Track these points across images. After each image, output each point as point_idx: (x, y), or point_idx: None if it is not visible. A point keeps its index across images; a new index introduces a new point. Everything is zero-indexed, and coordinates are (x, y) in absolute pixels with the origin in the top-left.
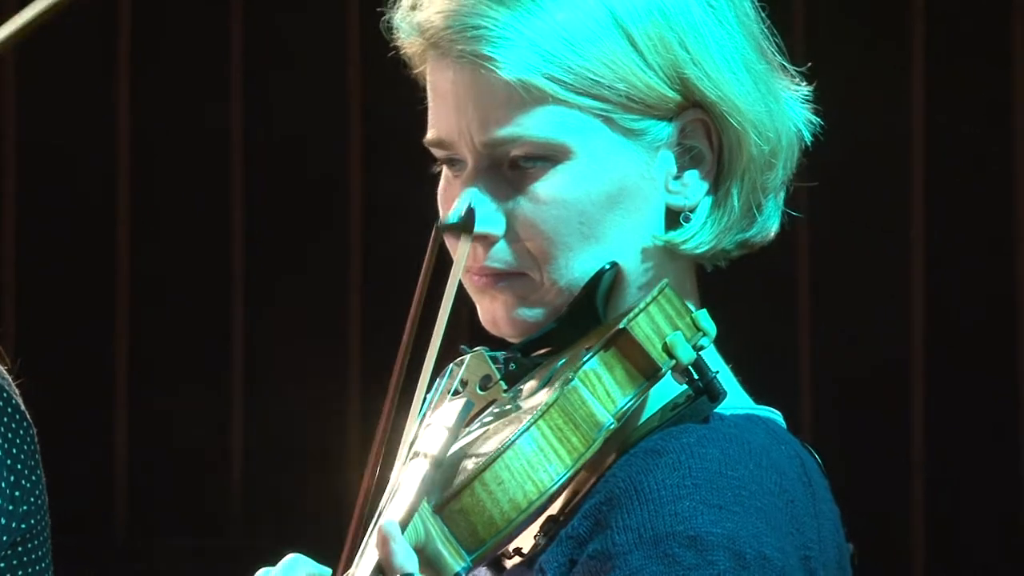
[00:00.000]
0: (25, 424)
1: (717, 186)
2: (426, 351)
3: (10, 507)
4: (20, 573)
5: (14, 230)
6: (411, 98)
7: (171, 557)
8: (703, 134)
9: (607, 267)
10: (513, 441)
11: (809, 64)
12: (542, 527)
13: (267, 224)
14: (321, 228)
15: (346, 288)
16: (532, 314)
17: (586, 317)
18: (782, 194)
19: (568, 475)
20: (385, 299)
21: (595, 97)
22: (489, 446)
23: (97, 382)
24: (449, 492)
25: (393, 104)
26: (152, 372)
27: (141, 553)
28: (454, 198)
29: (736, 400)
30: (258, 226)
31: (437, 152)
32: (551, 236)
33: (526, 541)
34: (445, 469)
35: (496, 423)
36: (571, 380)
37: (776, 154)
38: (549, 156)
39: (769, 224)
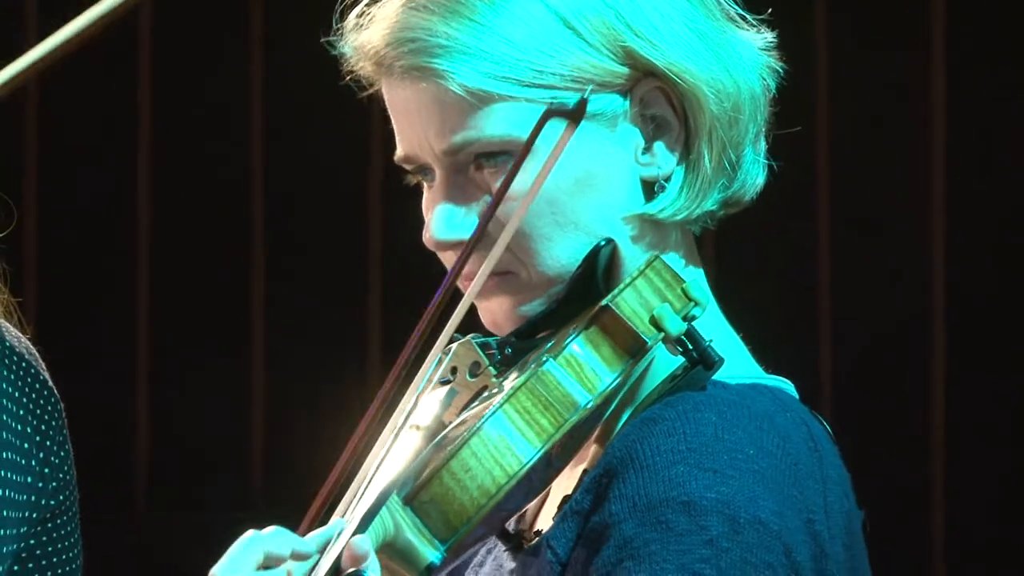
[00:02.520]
0: (53, 400)
1: (688, 150)
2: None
3: (40, 484)
4: (50, 548)
5: (35, 207)
6: None
7: (191, 532)
8: (664, 101)
9: (602, 243)
10: (478, 428)
11: (769, 10)
12: (559, 506)
13: (286, 206)
14: (341, 212)
15: (366, 272)
16: (530, 309)
17: (585, 295)
18: (761, 145)
19: (537, 457)
20: (405, 280)
21: (542, 87)
22: (464, 432)
23: (118, 357)
24: (418, 483)
25: None
26: (173, 347)
27: (160, 527)
28: (431, 204)
29: (743, 369)
30: (277, 210)
31: (408, 167)
32: (527, 231)
33: (545, 522)
34: (424, 458)
35: (480, 408)
36: (544, 362)
37: (739, 108)
38: (509, 151)
39: (750, 178)
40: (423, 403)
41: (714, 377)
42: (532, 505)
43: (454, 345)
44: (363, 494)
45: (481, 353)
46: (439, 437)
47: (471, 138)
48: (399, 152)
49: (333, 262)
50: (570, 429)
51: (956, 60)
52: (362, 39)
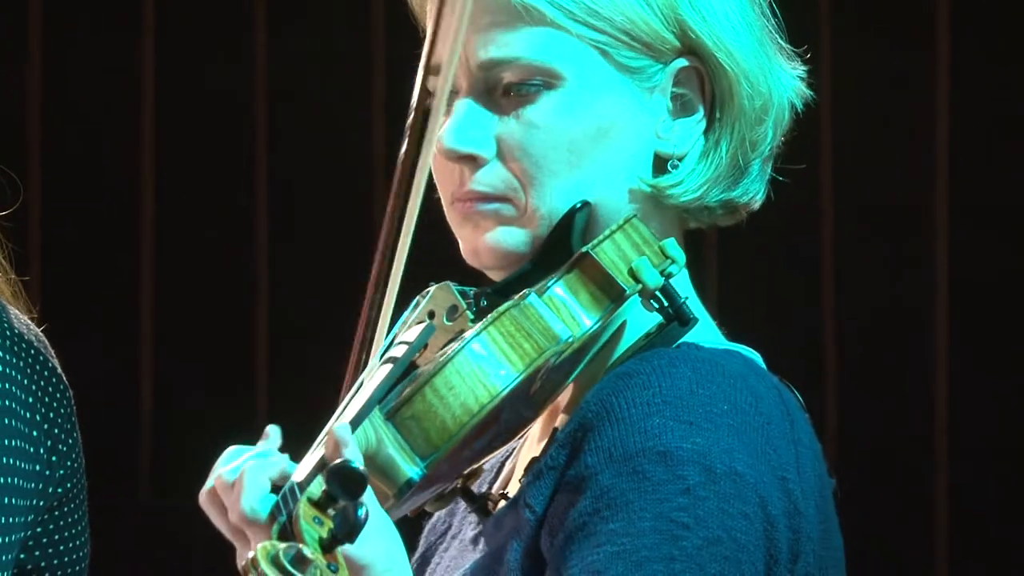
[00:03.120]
0: (62, 387)
1: (707, 135)
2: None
3: (48, 472)
4: (57, 536)
5: (39, 194)
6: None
7: (196, 518)
8: (696, 83)
9: (578, 206)
10: (464, 346)
11: (805, 47)
12: (526, 469)
13: (289, 190)
14: (350, 191)
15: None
16: (512, 239)
17: (561, 257)
18: (770, 163)
19: (520, 379)
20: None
21: (593, 28)
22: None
23: (121, 342)
24: (401, 399)
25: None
26: (175, 333)
27: (166, 514)
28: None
29: (714, 338)
30: (280, 192)
31: (434, 82)
32: (538, 161)
33: (514, 486)
34: (404, 385)
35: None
36: (527, 295)
37: (767, 110)
38: (542, 82)
39: (753, 188)
40: (399, 339)
41: (688, 340)
42: (495, 472)
43: (432, 288)
44: (340, 416)
45: (459, 297)
46: (414, 373)
47: (510, 56)
48: (433, 62)
49: (336, 253)
50: (550, 357)
51: (960, 56)
52: None
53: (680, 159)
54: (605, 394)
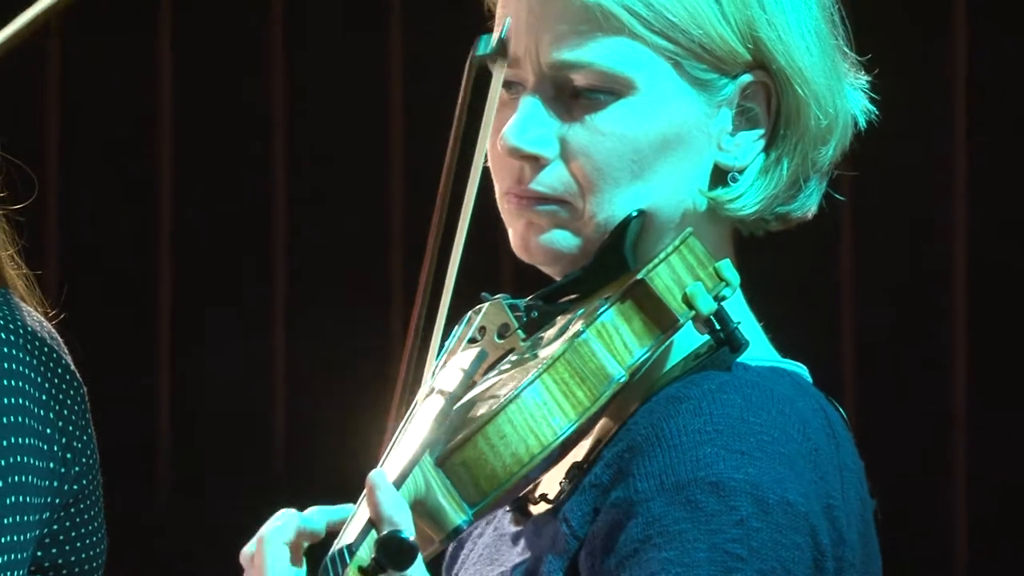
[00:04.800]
0: (75, 384)
1: (768, 152)
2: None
3: (62, 469)
4: (73, 534)
5: (56, 189)
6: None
7: (215, 516)
8: (763, 97)
9: (633, 215)
10: (516, 395)
11: (869, 56)
12: (567, 473)
13: (307, 183)
14: (364, 189)
15: (388, 246)
16: (566, 242)
17: (613, 264)
18: (827, 177)
19: (572, 430)
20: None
21: (668, 38)
22: (497, 396)
23: (140, 340)
24: (452, 445)
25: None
26: (195, 331)
27: (184, 512)
28: (507, 120)
29: (761, 352)
30: (299, 185)
31: (507, 72)
32: (602, 167)
33: (551, 487)
34: (455, 417)
35: (511, 371)
36: (582, 333)
37: (832, 131)
38: (612, 89)
39: (810, 202)
40: (451, 364)
41: (736, 359)
42: None
43: (484, 305)
44: (389, 455)
45: (510, 315)
46: (467, 399)
47: (582, 60)
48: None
49: (357, 244)
50: (604, 403)
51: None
52: None
53: (740, 172)
54: (655, 418)
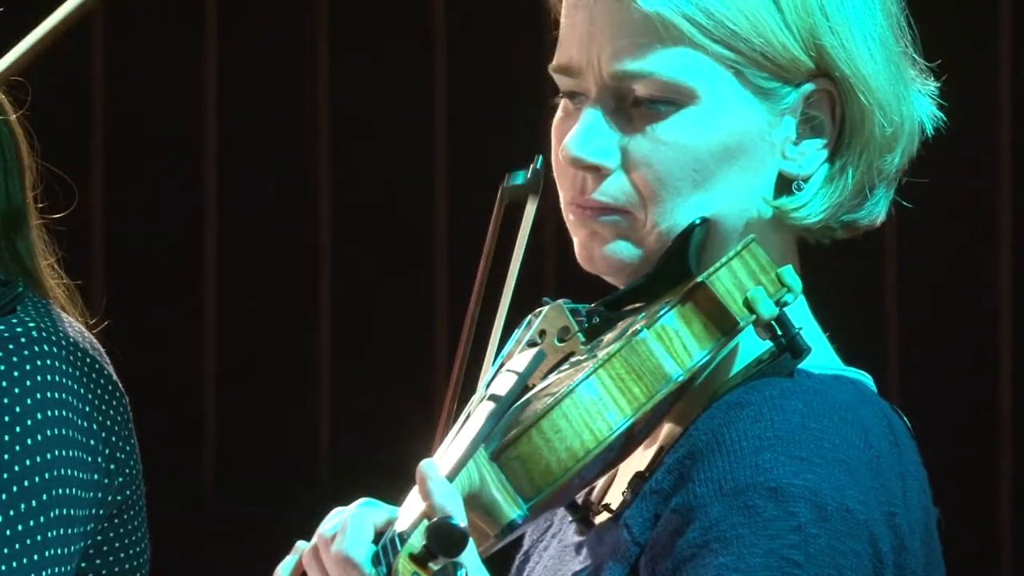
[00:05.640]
0: (118, 394)
1: (833, 160)
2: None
3: (106, 480)
4: (117, 544)
5: (102, 200)
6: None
7: (257, 524)
8: (827, 105)
9: (696, 222)
10: (571, 390)
11: (939, 61)
12: (629, 483)
13: (354, 191)
14: (407, 188)
15: (431, 253)
16: (629, 252)
17: (676, 272)
18: (894, 184)
19: (627, 425)
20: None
21: (730, 47)
22: (553, 393)
23: (186, 349)
24: (507, 439)
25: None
26: (240, 341)
27: (228, 520)
28: (569, 131)
29: (825, 360)
30: (346, 194)
31: (561, 80)
32: (663, 177)
33: (615, 497)
34: (510, 416)
35: (568, 371)
36: (640, 332)
37: (897, 138)
38: (674, 99)
39: (877, 209)
40: (509, 365)
41: (799, 365)
42: (601, 479)
43: (544, 308)
44: (447, 450)
45: (571, 318)
46: (524, 398)
47: (644, 70)
48: (559, 60)
49: (399, 255)
50: (660, 401)
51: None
52: None
53: (805, 180)
54: (716, 424)
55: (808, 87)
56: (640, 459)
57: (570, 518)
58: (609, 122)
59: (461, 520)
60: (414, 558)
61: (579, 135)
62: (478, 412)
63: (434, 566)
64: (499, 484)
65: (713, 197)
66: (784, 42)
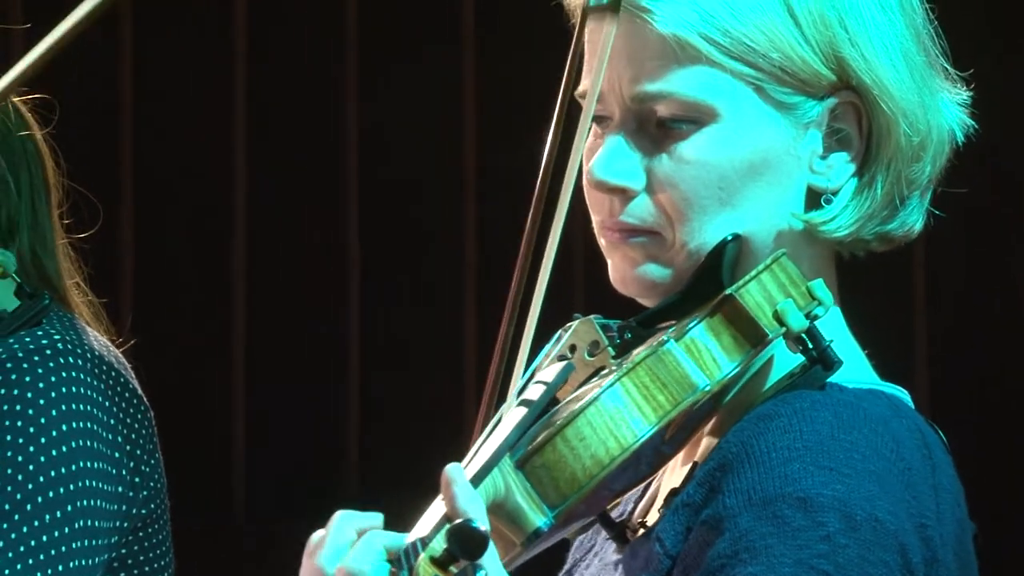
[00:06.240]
0: (143, 408)
1: (862, 172)
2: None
3: (131, 493)
4: (142, 558)
5: (133, 213)
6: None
7: (286, 539)
8: (853, 118)
9: (728, 239)
10: (596, 398)
11: (972, 71)
12: (665, 500)
13: (381, 196)
14: (438, 193)
15: (462, 264)
16: (660, 273)
17: (709, 289)
18: (928, 193)
19: (652, 432)
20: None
21: (748, 64)
22: (579, 401)
23: (216, 363)
24: (532, 447)
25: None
26: (269, 352)
27: (257, 535)
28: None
29: (860, 375)
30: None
31: (584, 103)
32: (688, 196)
33: (652, 516)
34: (537, 427)
35: (595, 383)
36: (666, 342)
37: (925, 147)
38: (696, 117)
39: (911, 220)
40: (537, 377)
41: (832, 380)
42: (638, 496)
43: (575, 323)
44: (473, 458)
45: (601, 333)
46: (552, 411)
47: (664, 91)
48: (583, 87)
49: (430, 267)
50: (686, 409)
51: None
52: None
53: (834, 193)
54: (746, 436)
55: (832, 100)
56: (677, 476)
57: (607, 536)
58: (633, 144)
59: (483, 524)
60: (435, 561)
61: (603, 158)
62: (507, 419)
63: (455, 569)
64: (524, 492)
65: (741, 214)
66: (803, 56)
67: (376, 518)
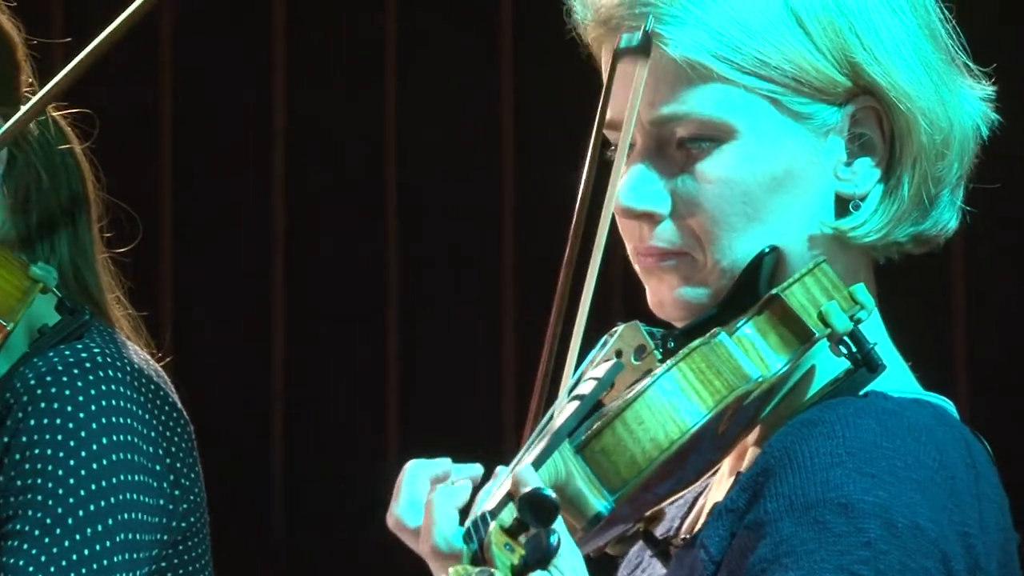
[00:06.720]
0: (183, 422)
1: (888, 175)
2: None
3: (170, 506)
4: (181, 571)
5: (171, 225)
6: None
7: (326, 554)
8: (875, 122)
9: (766, 250)
10: (654, 381)
11: (995, 65)
12: (710, 511)
13: (419, 204)
14: (477, 207)
15: (499, 277)
16: (695, 295)
17: (748, 300)
18: (959, 190)
19: (710, 416)
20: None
21: (762, 77)
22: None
23: (255, 377)
24: (591, 432)
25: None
26: (308, 370)
27: (297, 551)
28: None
29: (904, 385)
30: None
31: (611, 136)
32: (714, 215)
33: (698, 527)
34: (592, 420)
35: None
36: (719, 334)
37: (948, 144)
38: (714, 136)
39: (943, 218)
40: (587, 375)
41: (876, 389)
42: (684, 513)
43: (620, 327)
44: (528, 450)
45: (648, 337)
46: (600, 411)
47: (680, 112)
48: (608, 117)
49: (468, 274)
50: (740, 397)
51: None
52: None
53: (862, 199)
54: (789, 441)
55: (851, 106)
56: (721, 490)
57: (651, 552)
58: (656, 169)
59: (552, 492)
60: (505, 530)
61: (627, 185)
62: (560, 412)
63: (524, 537)
64: (585, 477)
65: (769, 227)
66: (816, 65)
67: (445, 463)
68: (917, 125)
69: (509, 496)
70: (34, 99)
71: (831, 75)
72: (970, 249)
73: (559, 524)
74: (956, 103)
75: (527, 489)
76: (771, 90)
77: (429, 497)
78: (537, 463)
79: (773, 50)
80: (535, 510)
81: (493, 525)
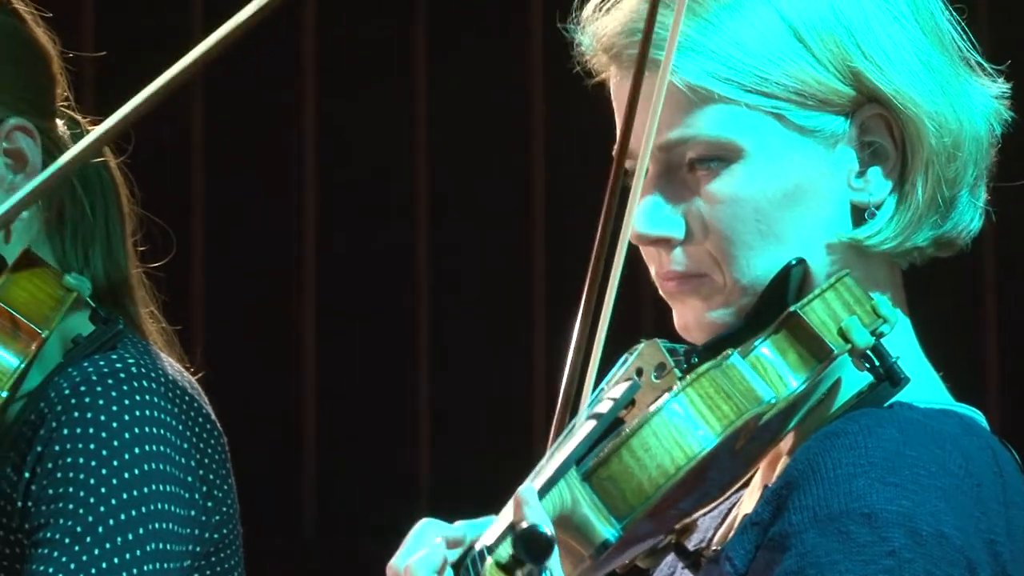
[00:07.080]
0: (216, 433)
1: (903, 181)
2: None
3: (203, 518)
4: None
5: (202, 241)
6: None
7: (358, 557)
8: (884, 130)
9: (793, 263)
10: (661, 408)
11: (1009, 63)
12: (739, 524)
13: (450, 214)
14: (510, 209)
15: (530, 283)
16: (719, 316)
17: (775, 313)
18: (979, 191)
19: (717, 442)
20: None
21: (764, 94)
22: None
23: (287, 388)
24: (598, 459)
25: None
26: (340, 373)
27: (329, 554)
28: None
29: (931, 394)
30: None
31: (625, 163)
32: (728, 235)
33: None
34: (603, 443)
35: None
36: (730, 355)
37: (959, 146)
38: (722, 156)
39: (964, 219)
40: (606, 395)
41: (902, 400)
42: (717, 524)
43: (640, 346)
44: (540, 471)
45: (667, 355)
46: (617, 430)
47: (686, 136)
48: (617, 145)
49: (497, 293)
50: (750, 420)
51: None
52: (597, 26)
53: (877, 207)
54: (812, 453)
55: (859, 114)
56: (751, 502)
57: (682, 564)
58: (668, 194)
59: (548, 528)
60: (501, 566)
61: (642, 212)
62: (575, 433)
63: (520, 573)
64: (591, 504)
65: (786, 242)
66: (818, 77)
67: (457, 529)
68: (925, 129)
69: (511, 528)
70: (94, 133)
71: (834, 86)
72: (1002, 260)
73: (553, 560)
74: (965, 104)
75: (524, 524)
76: (775, 106)
77: (408, 562)
78: (543, 491)
79: (773, 67)
80: (528, 547)
81: (489, 561)
